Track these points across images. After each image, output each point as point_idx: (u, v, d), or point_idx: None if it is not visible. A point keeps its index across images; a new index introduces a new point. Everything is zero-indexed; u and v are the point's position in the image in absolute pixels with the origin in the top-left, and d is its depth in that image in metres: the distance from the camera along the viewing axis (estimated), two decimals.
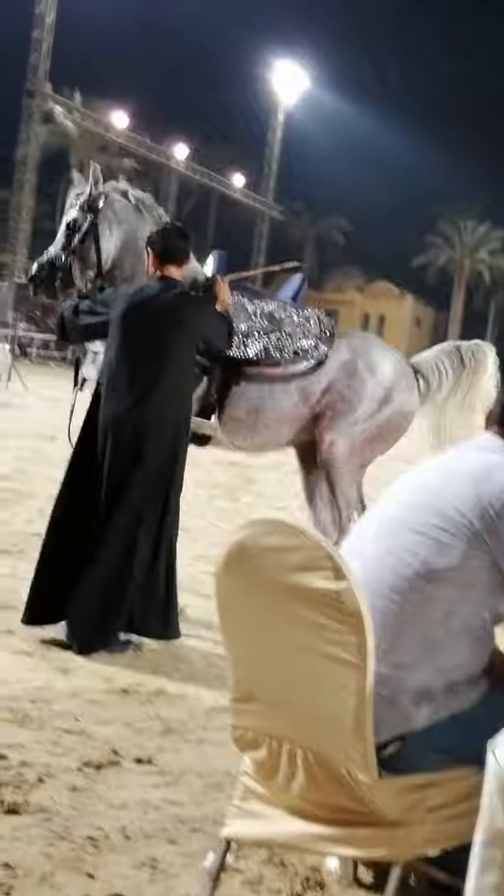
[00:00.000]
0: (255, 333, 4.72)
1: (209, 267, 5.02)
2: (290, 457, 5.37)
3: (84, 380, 4.65)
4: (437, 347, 5.40)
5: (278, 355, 4.74)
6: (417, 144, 59.02)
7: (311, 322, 4.92)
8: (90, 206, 4.66)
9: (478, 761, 1.89)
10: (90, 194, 4.69)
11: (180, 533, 4.40)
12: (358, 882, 2.35)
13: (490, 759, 1.85)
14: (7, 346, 17.35)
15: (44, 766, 2.82)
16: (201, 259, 5.09)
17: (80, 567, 4.04)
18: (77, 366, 4.79)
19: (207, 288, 4.58)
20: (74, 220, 4.67)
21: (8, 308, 24.22)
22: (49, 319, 4.93)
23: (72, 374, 4.89)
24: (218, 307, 4.44)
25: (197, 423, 4.56)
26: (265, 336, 4.73)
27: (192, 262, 4.66)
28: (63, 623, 4.03)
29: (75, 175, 4.95)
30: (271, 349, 4.73)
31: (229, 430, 4.75)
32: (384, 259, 53.78)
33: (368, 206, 57.34)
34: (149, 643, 4.18)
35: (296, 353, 4.78)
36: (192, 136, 45.84)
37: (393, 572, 2.03)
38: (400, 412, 5.01)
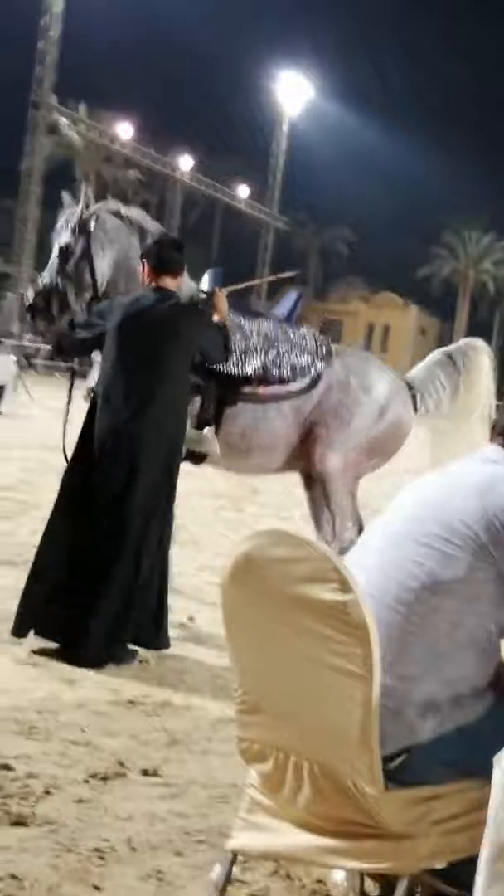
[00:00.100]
0: (252, 351, 4.75)
1: (205, 283, 5.05)
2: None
3: (91, 389, 4.65)
4: (428, 359, 5.37)
5: (276, 372, 4.76)
6: (421, 155, 59.41)
7: (307, 340, 4.95)
8: (82, 228, 4.69)
9: (484, 774, 1.89)
10: (80, 216, 4.71)
11: (187, 543, 4.42)
12: (364, 895, 2.34)
13: (496, 771, 1.85)
14: (13, 358, 17.39)
15: (50, 777, 2.83)
16: (198, 275, 5.11)
17: (80, 580, 4.03)
18: (72, 380, 4.81)
19: (204, 301, 4.60)
20: (67, 244, 4.69)
21: (13, 319, 24.27)
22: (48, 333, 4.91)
23: (77, 384, 4.90)
24: (216, 318, 4.46)
25: (192, 437, 4.58)
26: (262, 353, 4.76)
27: (187, 280, 4.69)
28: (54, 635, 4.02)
29: (65, 197, 4.96)
30: (269, 366, 4.75)
31: (222, 451, 4.76)
32: (388, 269, 54.14)
33: (372, 216, 57.72)
34: (151, 654, 4.18)
35: (293, 369, 4.80)
36: (196, 147, 46.20)
37: (398, 584, 2.03)
38: (395, 427, 5.03)
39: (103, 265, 4.70)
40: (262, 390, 4.75)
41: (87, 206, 4.75)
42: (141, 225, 4.81)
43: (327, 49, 53.57)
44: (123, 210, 4.85)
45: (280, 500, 9.00)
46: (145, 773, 2.97)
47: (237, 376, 4.68)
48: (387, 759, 1.94)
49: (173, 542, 4.41)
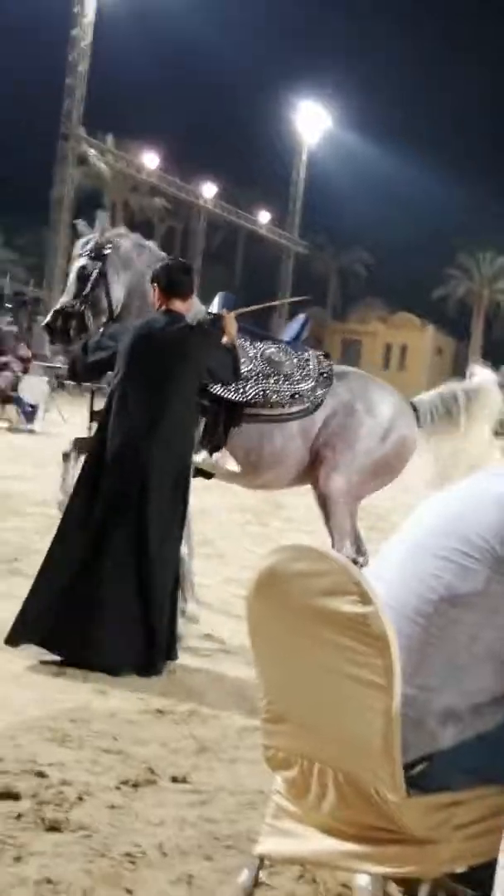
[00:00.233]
0: (254, 377, 4.87)
1: (214, 306, 5.18)
2: None
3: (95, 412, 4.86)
4: (437, 390, 5.42)
5: (275, 398, 4.89)
6: (435, 179, 59.87)
7: (311, 364, 5.05)
8: (97, 254, 4.85)
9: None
10: (97, 242, 4.88)
11: (213, 556, 4.49)
12: None
13: None
14: (45, 378, 17.59)
15: (83, 784, 2.90)
16: (209, 300, 5.25)
17: (88, 595, 4.07)
18: (92, 399, 4.98)
19: (211, 322, 4.72)
20: (83, 268, 4.86)
21: (45, 342, 24.48)
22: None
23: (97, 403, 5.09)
24: (225, 340, 4.56)
25: (207, 463, 4.72)
26: (264, 380, 4.89)
27: (197, 303, 4.82)
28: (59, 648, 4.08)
29: (80, 224, 5.14)
30: (269, 392, 4.88)
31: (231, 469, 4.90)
32: (405, 291, 54.42)
33: (389, 239, 58.02)
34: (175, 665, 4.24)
35: (293, 396, 4.92)
36: (219, 175, 46.83)
37: (417, 596, 2.07)
38: (399, 449, 5.10)
39: (118, 289, 4.86)
40: (265, 412, 4.89)
41: (102, 233, 4.91)
42: (152, 251, 4.98)
43: (344, 80, 53.95)
44: (134, 237, 5.03)
45: (304, 515, 9.03)
46: (175, 780, 3.03)
47: (239, 401, 4.83)
48: (408, 767, 1.97)
49: (197, 555, 4.49)
